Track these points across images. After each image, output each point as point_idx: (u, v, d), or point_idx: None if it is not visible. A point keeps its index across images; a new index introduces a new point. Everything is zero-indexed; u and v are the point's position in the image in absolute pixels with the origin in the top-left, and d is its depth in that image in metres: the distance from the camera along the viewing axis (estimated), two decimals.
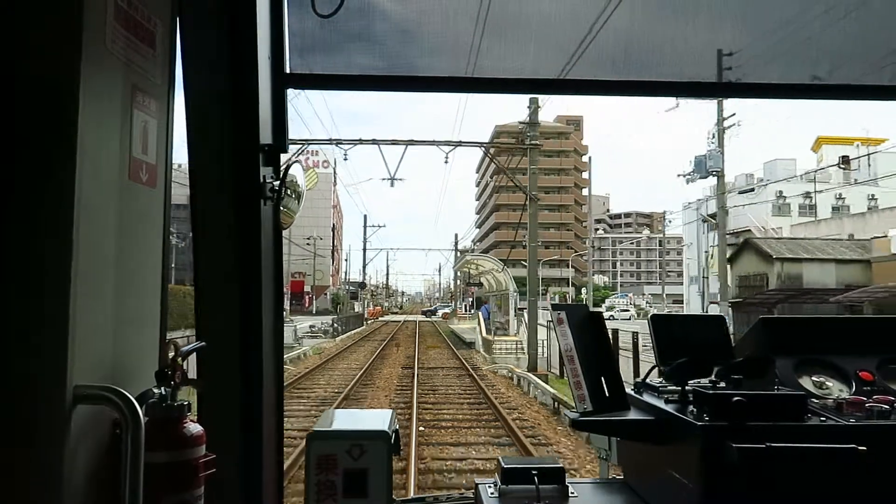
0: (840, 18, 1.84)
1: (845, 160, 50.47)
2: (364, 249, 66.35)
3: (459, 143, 20.52)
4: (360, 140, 19.96)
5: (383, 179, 22.67)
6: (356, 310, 63.03)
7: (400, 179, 22.58)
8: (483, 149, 24.54)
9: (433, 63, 1.90)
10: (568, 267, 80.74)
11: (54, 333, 1.09)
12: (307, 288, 69.86)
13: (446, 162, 20.75)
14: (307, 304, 68.21)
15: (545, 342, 21.33)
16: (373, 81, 1.87)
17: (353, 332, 42.19)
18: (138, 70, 1.30)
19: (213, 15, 1.64)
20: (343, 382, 17.25)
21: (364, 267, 72.83)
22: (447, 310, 77.16)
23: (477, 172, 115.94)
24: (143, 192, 1.33)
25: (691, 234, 64.24)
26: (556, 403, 13.82)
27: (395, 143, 20.31)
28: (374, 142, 19.92)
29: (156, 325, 1.38)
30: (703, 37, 1.87)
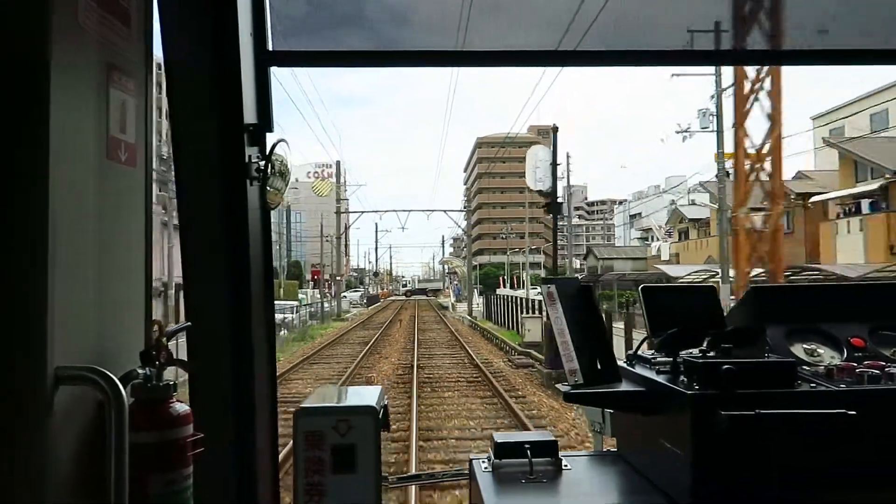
0: None
1: (727, 174, 72.31)
2: (376, 248, 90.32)
3: (434, 210, 43.61)
4: (388, 210, 42.60)
5: (398, 228, 45.00)
6: (370, 292, 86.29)
7: (406, 228, 45.14)
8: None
9: (422, 39, 1.87)
10: (539, 253, 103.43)
11: (33, 315, 1.06)
12: (325, 276, 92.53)
13: (428, 219, 43.74)
14: (326, 289, 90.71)
15: (480, 303, 45.61)
16: (360, 58, 1.86)
17: (375, 305, 66.83)
18: (113, 47, 1.25)
19: None
20: (385, 320, 40.71)
21: (376, 262, 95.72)
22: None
23: (465, 171, 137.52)
24: (122, 172, 1.29)
25: (619, 231, 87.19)
26: (471, 324, 37.65)
27: (400, 210, 43.16)
28: (394, 211, 42.70)
29: (140, 306, 1.35)
30: (699, 5, 1.87)
